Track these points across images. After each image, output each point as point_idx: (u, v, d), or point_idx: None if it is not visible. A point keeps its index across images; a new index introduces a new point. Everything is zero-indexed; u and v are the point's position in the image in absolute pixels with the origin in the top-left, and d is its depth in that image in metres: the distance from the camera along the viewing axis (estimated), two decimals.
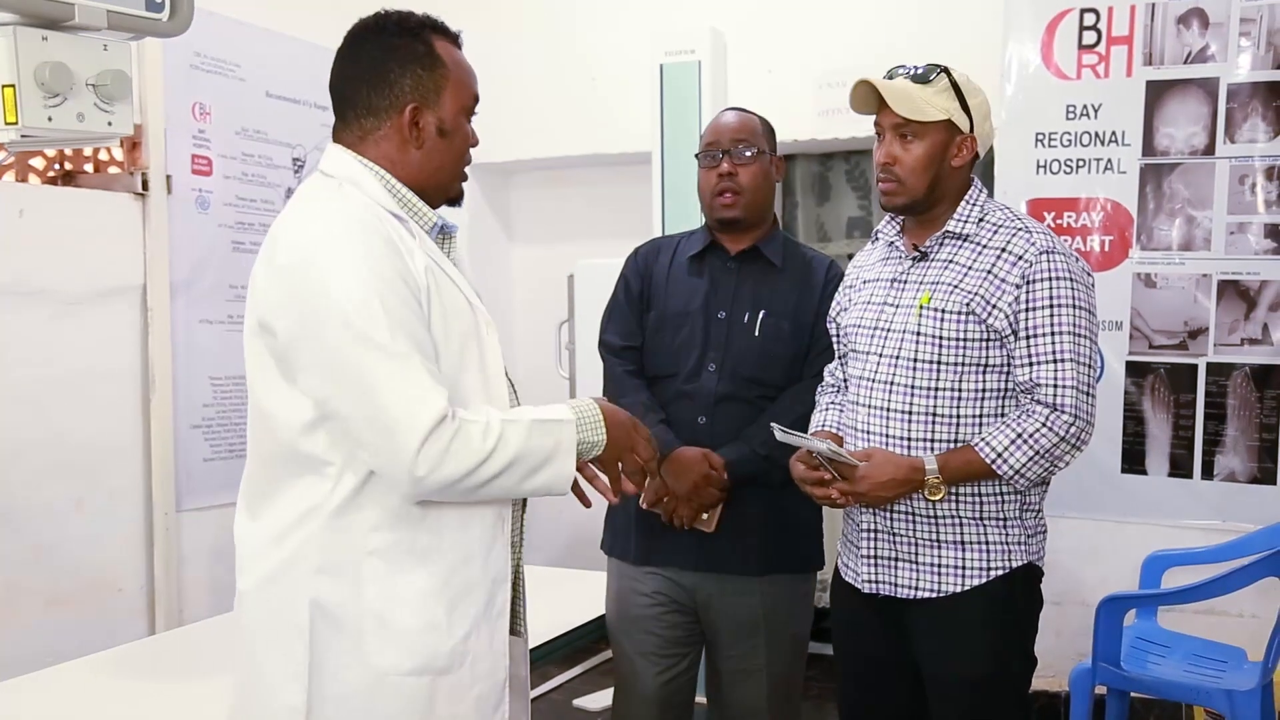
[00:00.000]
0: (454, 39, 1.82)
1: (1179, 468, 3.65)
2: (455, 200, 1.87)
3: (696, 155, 2.59)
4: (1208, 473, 3.61)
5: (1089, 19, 3.69)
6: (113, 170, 3.41)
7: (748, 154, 2.51)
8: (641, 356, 2.57)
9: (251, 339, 1.72)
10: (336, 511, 1.67)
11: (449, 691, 1.72)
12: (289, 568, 1.70)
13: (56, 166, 3.33)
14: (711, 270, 2.57)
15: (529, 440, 1.69)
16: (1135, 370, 3.68)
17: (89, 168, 3.39)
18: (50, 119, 2.02)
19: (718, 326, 2.51)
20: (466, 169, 1.87)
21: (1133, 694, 3.29)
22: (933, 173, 2.16)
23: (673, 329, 2.54)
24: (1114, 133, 3.68)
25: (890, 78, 2.19)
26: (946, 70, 2.17)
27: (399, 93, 1.75)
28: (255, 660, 1.74)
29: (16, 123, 2.00)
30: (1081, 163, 3.73)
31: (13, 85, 1.98)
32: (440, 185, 1.82)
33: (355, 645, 1.68)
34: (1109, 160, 3.69)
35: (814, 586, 2.71)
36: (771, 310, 2.52)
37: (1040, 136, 3.76)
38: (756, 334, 2.50)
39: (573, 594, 2.71)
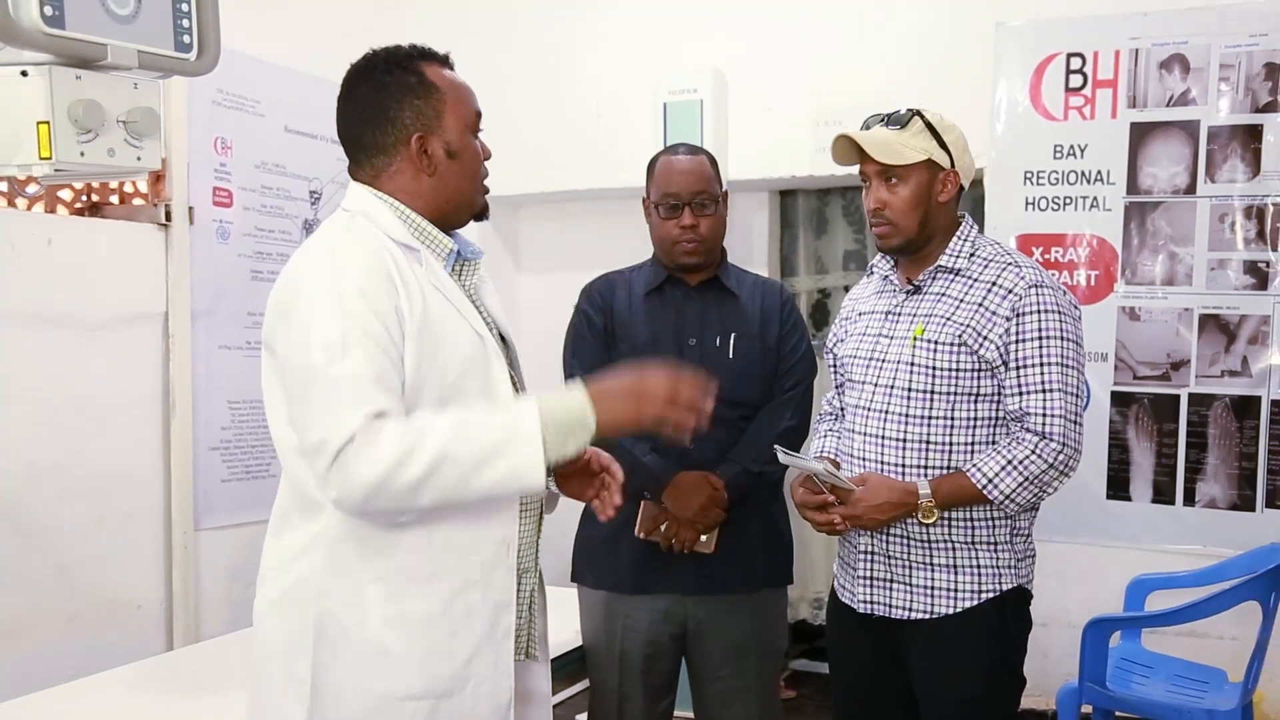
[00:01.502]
0: (444, 61, 1.83)
1: (1162, 494, 3.73)
2: (481, 215, 1.88)
3: (654, 203, 2.60)
4: (1189, 499, 3.70)
5: (1075, 63, 3.80)
6: (137, 202, 3.48)
7: (708, 205, 2.58)
8: None
9: (264, 364, 1.77)
10: (338, 538, 1.69)
11: (450, 715, 1.72)
12: (297, 590, 1.72)
13: (84, 198, 3.41)
14: (674, 301, 2.62)
15: (461, 432, 1.60)
16: (1120, 400, 3.78)
17: (114, 199, 3.46)
18: (82, 154, 2.07)
19: (690, 353, 2.57)
20: (486, 182, 1.87)
21: (1117, 713, 3.36)
22: (922, 211, 2.23)
23: (644, 359, 2.57)
24: (1099, 172, 3.79)
25: (866, 128, 2.25)
26: (919, 113, 2.24)
27: (401, 126, 1.77)
28: (264, 678, 1.77)
29: (50, 157, 2.04)
30: (1069, 200, 3.84)
31: (47, 122, 2.02)
32: (462, 205, 1.83)
33: (357, 670, 1.69)
34: (1095, 198, 3.80)
35: (788, 601, 2.76)
36: (741, 333, 2.58)
37: (1029, 175, 3.87)
38: (731, 356, 2.57)
39: (571, 611, 2.72)
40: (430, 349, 1.69)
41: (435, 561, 1.72)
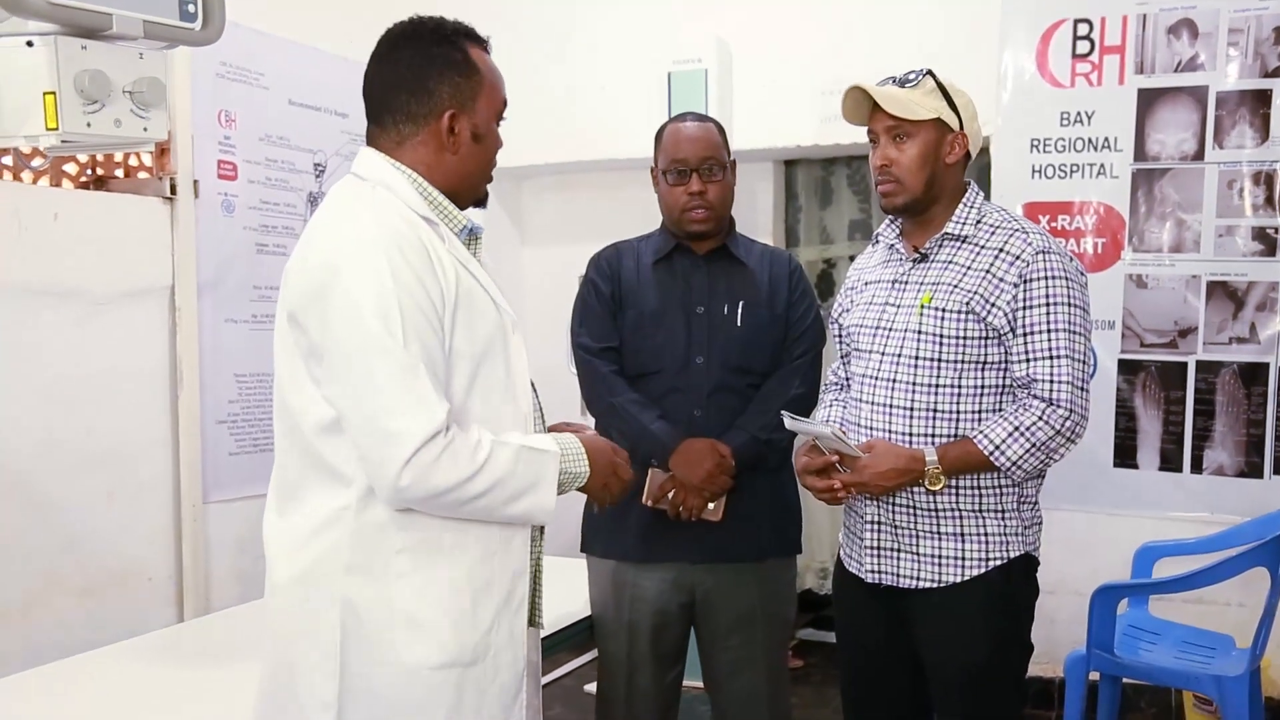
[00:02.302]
0: (485, 45, 1.85)
1: (1169, 462, 3.74)
2: (482, 201, 1.90)
3: (662, 170, 2.61)
4: (1197, 467, 3.71)
5: (1082, 29, 3.79)
6: (142, 175, 3.48)
7: (716, 171, 2.58)
8: (620, 356, 2.60)
9: (282, 335, 1.75)
10: (361, 511, 1.70)
11: (475, 683, 1.75)
12: (319, 567, 1.72)
13: (89, 172, 3.41)
14: (682, 269, 2.63)
15: (516, 464, 1.72)
16: (1127, 368, 3.78)
17: (119, 173, 3.46)
18: (89, 124, 2.07)
19: (699, 321, 2.57)
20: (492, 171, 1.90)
21: (1125, 680, 3.38)
22: (928, 171, 2.22)
23: (652, 327, 2.58)
24: (1107, 139, 3.78)
25: (879, 86, 2.25)
26: (930, 72, 2.24)
27: (438, 100, 1.77)
28: (286, 654, 1.77)
29: (57, 128, 2.04)
30: (1075, 168, 3.83)
31: (54, 92, 2.02)
32: (471, 188, 1.86)
33: (386, 642, 1.71)
34: (1102, 165, 3.79)
35: (796, 571, 2.77)
36: (749, 301, 2.59)
37: (1035, 142, 3.86)
38: (739, 324, 2.57)
39: (582, 582, 2.73)
40: (464, 325, 1.72)
41: (459, 531, 1.74)
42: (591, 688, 3.70)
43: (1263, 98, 3.61)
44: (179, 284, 3.43)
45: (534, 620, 1.93)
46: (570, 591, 2.79)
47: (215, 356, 3.53)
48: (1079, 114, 3.80)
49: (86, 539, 3.21)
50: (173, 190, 3.41)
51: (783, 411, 2.26)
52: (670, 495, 2.51)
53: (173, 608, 3.44)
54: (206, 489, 3.51)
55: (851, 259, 4.82)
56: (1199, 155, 3.69)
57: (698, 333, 2.57)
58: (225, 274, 3.57)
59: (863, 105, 2.26)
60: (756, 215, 4.68)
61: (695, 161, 2.56)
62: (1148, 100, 3.73)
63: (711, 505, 2.52)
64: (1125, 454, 3.79)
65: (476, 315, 1.75)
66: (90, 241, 3.22)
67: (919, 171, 2.22)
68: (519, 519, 1.77)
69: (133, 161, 3.50)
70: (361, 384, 1.64)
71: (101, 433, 3.24)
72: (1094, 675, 3.18)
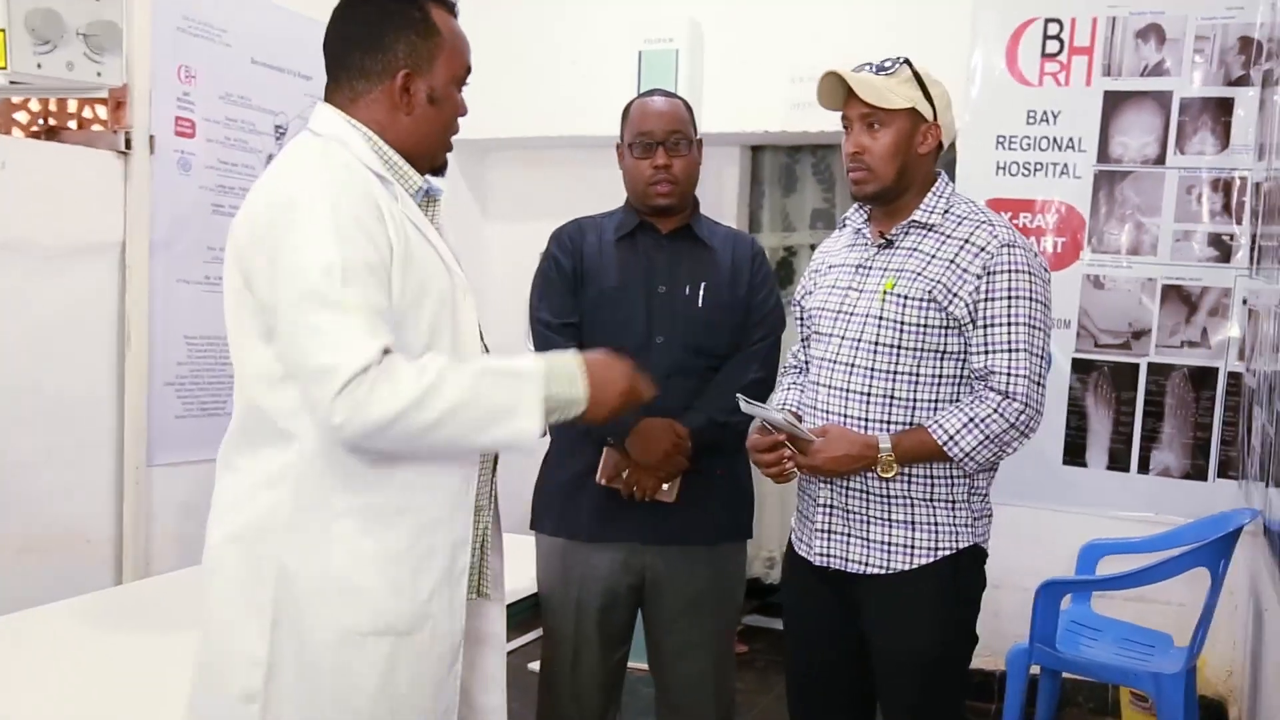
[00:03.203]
0: (450, 8, 1.82)
1: (1117, 461, 3.79)
2: (439, 170, 1.86)
3: (628, 144, 2.59)
4: (1144, 467, 3.76)
5: (1052, 29, 3.81)
6: (96, 128, 3.41)
7: (683, 146, 2.57)
8: (579, 333, 2.58)
9: (231, 291, 1.72)
10: (305, 471, 1.68)
11: (410, 651, 1.73)
12: (258, 525, 1.70)
13: (41, 121, 3.34)
14: (645, 247, 2.61)
15: (476, 388, 1.64)
16: (1080, 367, 3.82)
17: (73, 124, 3.39)
18: (39, 65, 2.02)
19: (659, 300, 2.56)
20: (452, 139, 1.86)
21: (1065, 674, 3.42)
22: (900, 160, 2.21)
23: (612, 304, 2.56)
24: (1071, 139, 3.81)
25: (855, 72, 2.24)
26: (908, 61, 2.24)
27: (392, 58, 1.75)
28: (221, 612, 1.75)
29: (5, 68, 1.98)
30: (1039, 166, 3.86)
31: (3, 30, 1.96)
32: (427, 153, 1.82)
33: (321, 604, 1.69)
34: (1065, 165, 3.82)
35: (746, 555, 2.77)
36: (711, 282, 2.57)
37: (1001, 139, 3.89)
38: (700, 305, 2.56)
39: (528, 560, 2.70)
40: (414, 283, 1.69)
41: (403, 497, 1.72)
42: (535, 666, 3.69)
43: (1225, 105, 3.66)
44: (130, 241, 3.37)
45: (482, 591, 1.91)
46: (515, 568, 2.75)
47: (165, 317, 3.47)
48: (1045, 113, 3.83)
49: (25, 497, 3.15)
50: (128, 145, 3.34)
51: (738, 395, 2.25)
52: (625, 474, 2.49)
53: (111, 570, 3.39)
54: (151, 451, 3.46)
55: (813, 247, 4.88)
56: (1160, 160, 3.73)
57: (659, 312, 2.56)
58: (179, 233, 3.50)
59: (838, 91, 2.25)
60: (721, 199, 4.67)
61: (661, 135, 2.55)
62: (1113, 102, 3.77)
63: (666, 486, 2.50)
64: (1075, 452, 3.83)
65: (423, 275, 1.72)
66: (39, 193, 3.15)
67: (891, 160, 2.22)
68: (497, 448, 1.71)
69: (87, 114, 3.43)
70: (298, 325, 1.61)
71: (45, 390, 3.18)
72: (1035, 669, 3.21)
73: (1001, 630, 3.53)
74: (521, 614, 2.75)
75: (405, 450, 1.67)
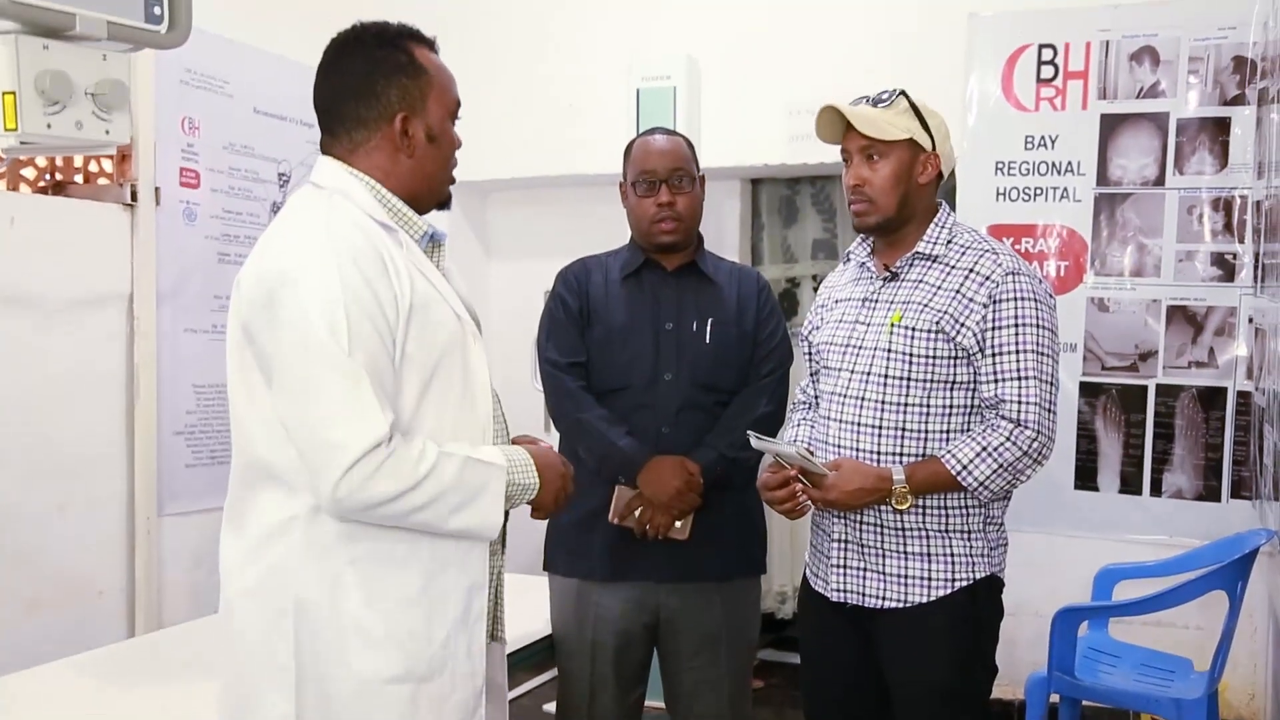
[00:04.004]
0: (431, 45, 1.84)
1: (1129, 485, 3.77)
2: (445, 204, 1.88)
3: (631, 183, 2.60)
4: (1156, 490, 3.74)
5: (1047, 54, 3.83)
6: (102, 181, 3.43)
7: (685, 183, 2.58)
8: (587, 372, 2.58)
9: (234, 344, 1.73)
10: (311, 521, 1.68)
11: (430, 698, 1.72)
12: (271, 578, 1.70)
13: (47, 177, 3.36)
14: (651, 285, 2.62)
15: (460, 476, 1.69)
16: (1088, 390, 3.81)
17: (79, 178, 3.41)
18: (49, 126, 2.02)
19: (667, 338, 2.56)
20: (455, 172, 1.88)
21: (1085, 702, 3.38)
22: (901, 190, 2.23)
23: (621, 342, 2.57)
24: (1070, 163, 3.82)
25: (853, 106, 2.26)
26: (904, 93, 2.26)
27: (387, 103, 1.76)
28: (242, 670, 1.74)
29: (16, 129, 1.98)
30: (1039, 191, 3.86)
31: (13, 92, 1.97)
32: (433, 190, 1.84)
33: (339, 653, 1.69)
34: (1065, 189, 3.83)
35: (760, 591, 2.76)
36: (718, 318, 2.58)
37: (1000, 165, 3.89)
38: (708, 341, 2.56)
39: (543, 601, 2.70)
40: (418, 332, 1.70)
41: (411, 543, 1.72)
42: (550, 708, 3.66)
43: (1222, 125, 3.66)
44: (138, 292, 3.39)
45: (496, 635, 1.91)
46: (530, 610, 2.76)
47: (173, 366, 3.49)
48: (1043, 138, 3.84)
49: (37, 551, 3.15)
50: (133, 197, 3.38)
51: (749, 431, 2.25)
52: (637, 513, 2.49)
53: (124, 622, 3.38)
54: (162, 501, 3.46)
55: (815, 278, 4.89)
56: (1160, 181, 3.74)
57: (666, 349, 2.56)
58: (185, 283, 3.52)
59: (836, 124, 2.27)
60: (722, 233, 4.68)
61: (664, 173, 2.56)
62: (1110, 125, 3.78)
63: (679, 524, 2.50)
64: (1086, 476, 3.81)
65: (433, 323, 1.73)
66: (48, 247, 3.18)
67: (892, 191, 2.23)
68: (463, 533, 1.74)
69: (93, 168, 3.46)
70: (304, 393, 1.62)
71: (55, 443, 3.19)
72: (1054, 697, 3.18)
73: (1019, 659, 3.50)
74: (535, 656, 2.75)
75: (387, 524, 1.69)
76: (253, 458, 1.72)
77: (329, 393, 1.61)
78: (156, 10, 2.14)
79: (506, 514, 1.83)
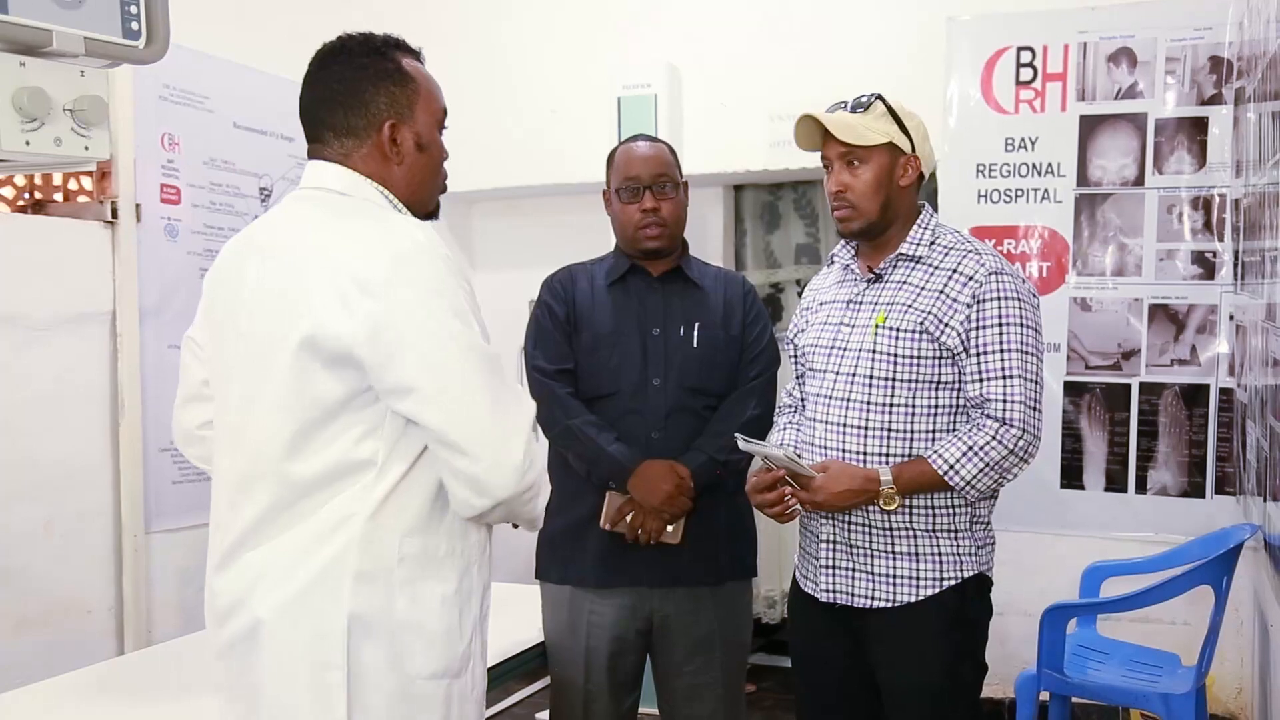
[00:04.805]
0: (416, 56, 1.84)
1: (1114, 483, 3.79)
2: (433, 214, 1.88)
3: (615, 190, 2.61)
4: (1141, 487, 3.76)
5: (1025, 57, 3.85)
6: (82, 199, 3.42)
7: (669, 189, 2.59)
8: (575, 379, 2.58)
9: (292, 360, 1.65)
10: (373, 516, 1.66)
11: (459, 694, 1.75)
12: (323, 580, 1.66)
13: (27, 195, 3.35)
14: (637, 291, 2.62)
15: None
16: (1072, 390, 3.83)
17: (59, 197, 3.40)
18: (28, 143, 1.99)
19: (654, 343, 2.57)
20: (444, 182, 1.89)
21: (1074, 699, 3.40)
22: (883, 195, 2.24)
23: (608, 349, 2.57)
24: (1050, 164, 3.84)
25: (830, 113, 2.27)
26: (880, 97, 2.27)
27: (375, 111, 1.76)
28: (285, 683, 1.68)
29: None
30: (1020, 192, 3.88)
31: None
32: (423, 199, 1.84)
33: (392, 652, 1.69)
34: (1046, 190, 3.85)
35: (752, 594, 2.76)
36: (704, 323, 2.59)
37: (981, 167, 3.91)
38: (695, 346, 2.57)
39: (535, 610, 2.70)
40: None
41: (451, 541, 1.74)
42: (543, 716, 3.66)
43: (1199, 125, 3.69)
44: (120, 309, 3.38)
45: None
46: (521, 618, 2.76)
47: (158, 383, 3.46)
48: (1023, 140, 3.86)
49: (24, 569, 3.14)
50: (114, 214, 3.36)
51: (736, 434, 2.26)
52: (628, 518, 2.49)
53: (113, 640, 3.36)
54: (149, 518, 3.44)
55: (799, 283, 4.90)
56: (1139, 181, 3.76)
57: (654, 354, 2.57)
58: (168, 299, 3.51)
59: (815, 133, 2.28)
60: (706, 239, 4.70)
61: (648, 179, 2.57)
62: (1089, 126, 3.80)
63: (670, 528, 2.50)
64: (1072, 475, 3.83)
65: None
66: (29, 266, 3.16)
67: (874, 196, 2.24)
68: (529, 522, 1.81)
69: (72, 185, 3.44)
70: (462, 391, 1.63)
71: (40, 461, 3.18)
72: (1044, 695, 3.19)
73: (1008, 657, 3.52)
74: (527, 664, 2.74)
75: (511, 512, 1.72)
76: (296, 474, 1.67)
77: (488, 381, 1.64)
78: (134, 25, 2.12)
79: None
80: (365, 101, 1.77)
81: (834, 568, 2.27)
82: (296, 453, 1.68)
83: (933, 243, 2.28)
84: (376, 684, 1.69)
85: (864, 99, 2.26)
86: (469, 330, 1.64)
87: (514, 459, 1.64)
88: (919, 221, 2.30)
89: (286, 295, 1.67)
